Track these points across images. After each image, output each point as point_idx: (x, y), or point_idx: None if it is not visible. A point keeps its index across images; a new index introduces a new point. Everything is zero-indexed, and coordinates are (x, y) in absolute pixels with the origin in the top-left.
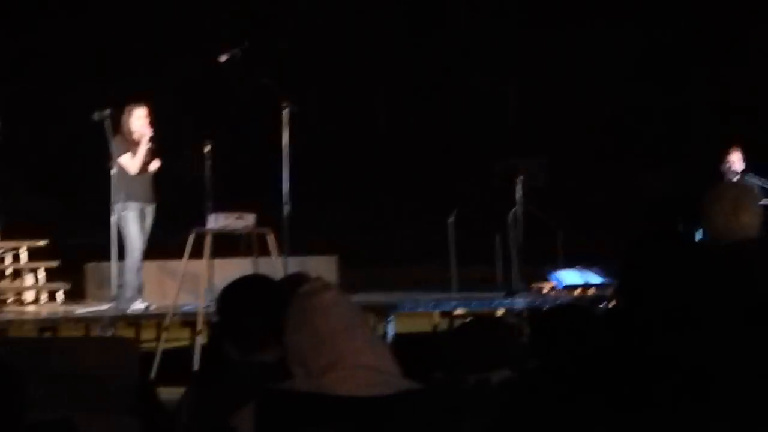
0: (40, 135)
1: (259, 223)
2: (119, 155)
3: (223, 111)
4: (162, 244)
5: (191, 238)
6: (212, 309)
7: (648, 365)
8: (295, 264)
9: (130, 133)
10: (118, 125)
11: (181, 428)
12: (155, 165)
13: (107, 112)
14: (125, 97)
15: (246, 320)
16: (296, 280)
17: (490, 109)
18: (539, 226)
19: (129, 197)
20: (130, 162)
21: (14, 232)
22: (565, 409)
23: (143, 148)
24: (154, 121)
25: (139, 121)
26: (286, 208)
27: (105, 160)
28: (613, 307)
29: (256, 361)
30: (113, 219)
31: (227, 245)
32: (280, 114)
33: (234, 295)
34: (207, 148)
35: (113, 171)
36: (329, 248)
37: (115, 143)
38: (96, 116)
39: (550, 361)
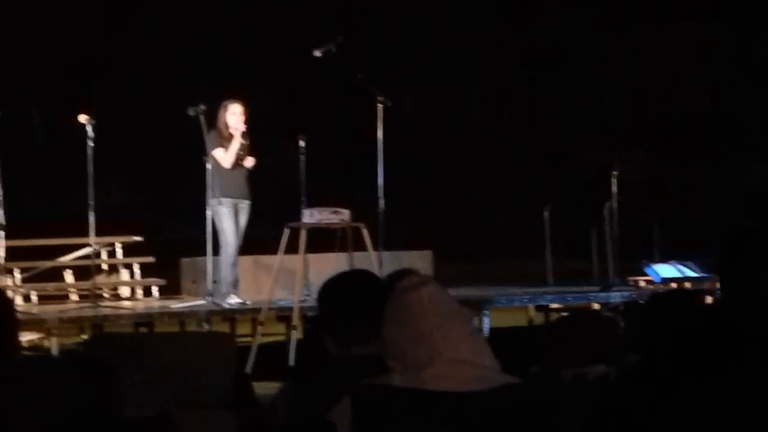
0: (136, 131)
1: (354, 218)
2: (213, 150)
3: (317, 106)
4: (257, 240)
5: (286, 233)
6: (307, 303)
7: (752, 361)
8: (389, 259)
9: (225, 128)
10: (213, 120)
11: (278, 423)
12: (250, 162)
13: (202, 107)
14: (220, 93)
15: (347, 314)
16: (398, 275)
17: (586, 101)
18: (635, 219)
19: (223, 192)
20: (223, 156)
21: (110, 228)
22: (664, 406)
23: (236, 142)
24: (249, 118)
25: (234, 117)
26: (381, 203)
27: (200, 155)
28: (712, 301)
29: (354, 355)
30: (208, 214)
31: (322, 240)
32: (375, 108)
33: (336, 289)
34: (301, 143)
35: (208, 166)
36: (424, 242)
37: (209, 138)
38: (191, 111)
39: (649, 355)
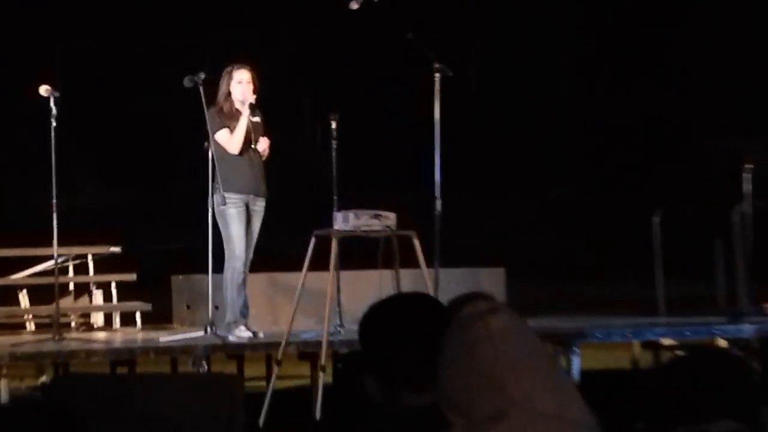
0: (113, 108)
1: (402, 223)
2: (215, 131)
3: (353, 76)
4: (274, 251)
5: (313, 243)
6: (340, 337)
7: None
8: (448, 277)
9: (230, 102)
10: (215, 93)
11: None
12: (264, 144)
13: (201, 76)
14: (226, 56)
15: (396, 351)
16: (461, 301)
17: (711, 69)
18: None
19: (230, 187)
20: (229, 139)
21: (79, 235)
22: None
23: (244, 120)
24: (261, 87)
25: (240, 86)
26: (438, 204)
27: (199, 139)
28: None
29: (403, 406)
30: (209, 216)
31: (360, 252)
32: (430, 80)
33: (381, 318)
34: (332, 125)
35: (210, 154)
36: (494, 256)
37: (210, 116)
38: (187, 82)
39: None
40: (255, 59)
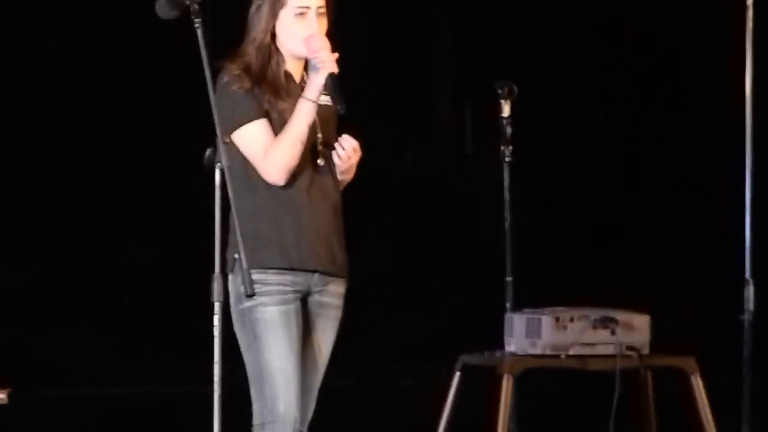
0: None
1: (661, 334)
2: (236, 123)
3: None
4: (372, 389)
5: (458, 380)
6: None
7: None
8: None
9: (276, 58)
10: (233, 38)
11: None
12: (346, 155)
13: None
14: None
15: None
16: None
17: None
18: None
19: (266, 257)
20: (268, 145)
21: None
22: None
23: (308, 109)
24: (339, 40)
25: (303, 21)
26: (750, 294)
27: (197, 143)
28: None
29: None
30: (215, 326)
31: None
32: None
33: None
34: (505, 111)
35: (218, 173)
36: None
37: (225, 90)
38: (164, 8)
39: None
40: None
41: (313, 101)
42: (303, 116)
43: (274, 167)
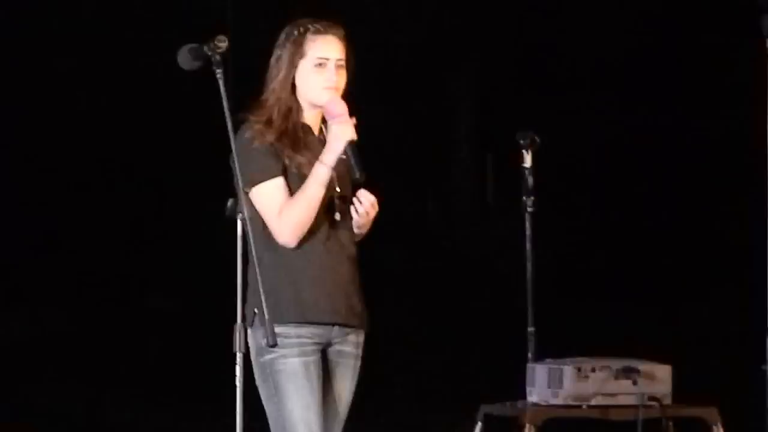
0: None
1: (684, 385)
2: (254, 180)
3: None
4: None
5: (479, 430)
6: None
7: None
8: None
9: (295, 109)
10: (252, 89)
11: None
12: (363, 210)
13: (221, 43)
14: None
15: None
16: None
17: None
18: None
19: (286, 312)
20: (280, 209)
21: None
22: None
23: (325, 173)
24: (360, 93)
25: (324, 72)
26: None
27: (212, 193)
28: None
29: None
30: (237, 379)
31: None
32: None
33: None
34: (526, 161)
35: (240, 226)
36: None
37: (243, 146)
38: (187, 57)
39: None
40: (338, 14)
41: (330, 166)
42: (318, 181)
43: (286, 228)
